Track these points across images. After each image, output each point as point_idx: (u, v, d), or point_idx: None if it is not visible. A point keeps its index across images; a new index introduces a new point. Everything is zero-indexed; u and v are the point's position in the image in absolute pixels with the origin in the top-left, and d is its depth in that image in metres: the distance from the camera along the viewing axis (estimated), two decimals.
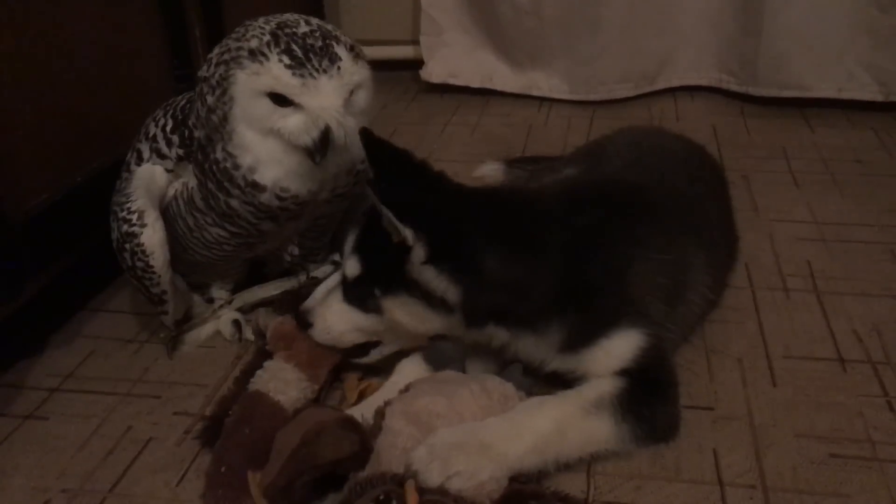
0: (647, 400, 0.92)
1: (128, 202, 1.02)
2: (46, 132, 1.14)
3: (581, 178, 1.19)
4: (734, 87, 2.05)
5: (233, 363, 1.13)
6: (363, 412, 0.93)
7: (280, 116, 0.92)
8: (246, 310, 1.21)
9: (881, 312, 1.18)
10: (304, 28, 0.93)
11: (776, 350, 1.11)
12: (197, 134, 1.00)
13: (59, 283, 1.18)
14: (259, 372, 1.01)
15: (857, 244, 1.37)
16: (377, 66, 0.99)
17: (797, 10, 1.87)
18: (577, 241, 0.95)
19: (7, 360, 1.15)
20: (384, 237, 0.92)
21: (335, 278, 1.03)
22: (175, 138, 1.04)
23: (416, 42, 2.18)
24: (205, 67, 0.97)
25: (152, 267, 1.02)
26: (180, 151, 1.04)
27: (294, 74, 0.89)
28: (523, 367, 0.99)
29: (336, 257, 1.26)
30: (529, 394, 0.95)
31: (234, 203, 1.00)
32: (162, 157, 1.05)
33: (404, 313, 0.95)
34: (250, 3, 1.33)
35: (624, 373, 0.93)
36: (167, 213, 1.07)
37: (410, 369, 1.01)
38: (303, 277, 1.24)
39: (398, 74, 2.23)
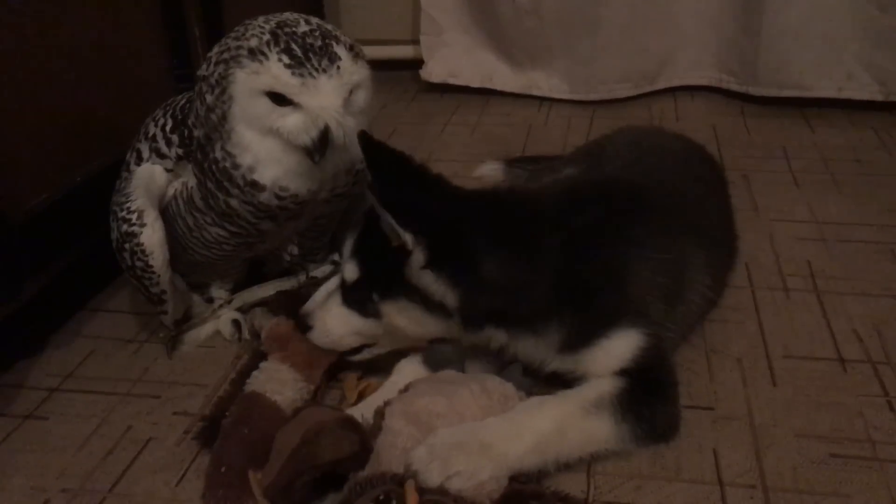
0: (647, 400, 0.92)
1: (127, 202, 1.02)
2: (46, 132, 1.14)
3: (580, 177, 1.19)
4: (734, 87, 2.05)
5: (232, 363, 1.13)
6: (363, 412, 0.93)
7: (279, 116, 0.92)
8: (245, 310, 1.21)
9: (881, 312, 1.18)
10: (303, 27, 0.93)
11: (776, 350, 1.11)
12: (196, 133, 1.00)
13: (58, 282, 1.18)
14: (255, 373, 1.01)
15: (857, 244, 1.37)
16: (377, 65, 0.99)
17: (797, 10, 1.87)
18: (575, 242, 0.95)
19: (7, 360, 1.15)
20: (383, 241, 0.92)
21: (335, 281, 1.03)
22: (174, 138, 1.04)
23: (416, 42, 2.18)
24: (204, 66, 0.97)
25: (152, 266, 1.02)
26: (180, 151, 1.04)
27: (293, 74, 0.89)
28: (523, 367, 0.99)
29: (336, 257, 1.26)
30: (529, 394, 0.95)
31: (234, 202, 1.00)
32: (161, 156, 1.05)
33: (403, 318, 0.95)
34: (250, 2, 1.33)
35: (624, 373, 0.93)
36: (167, 212, 1.07)
37: (410, 369, 1.01)
38: (302, 277, 1.24)
39: (398, 74, 2.22)
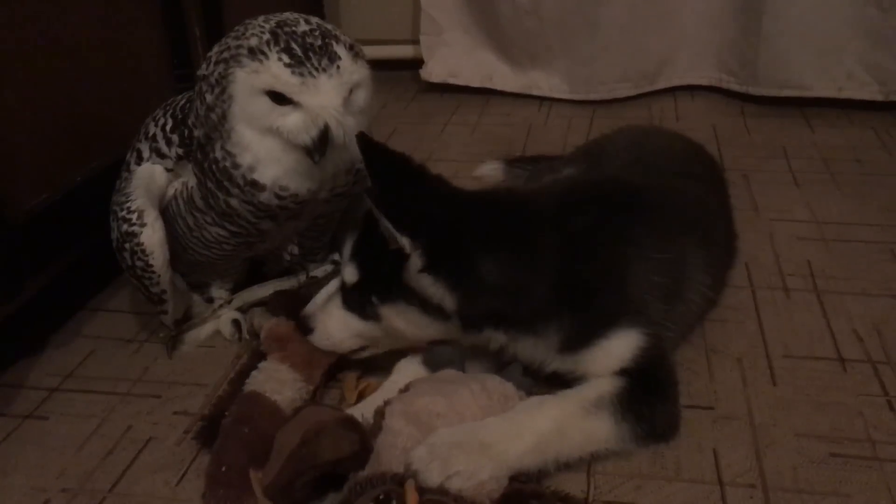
0: (647, 399, 0.92)
1: (127, 202, 1.02)
2: (46, 132, 1.14)
3: (580, 178, 1.19)
4: (734, 87, 2.05)
5: (232, 363, 1.13)
6: (363, 412, 0.93)
7: (279, 115, 0.92)
8: (245, 309, 1.21)
9: (881, 312, 1.18)
10: (303, 27, 0.93)
11: (776, 350, 1.11)
12: (196, 133, 1.00)
13: (59, 282, 1.18)
14: (254, 373, 1.01)
15: (857, 244, 1.37)
16: (377, 65, 0.99)
17: (797, 10, 1.87)
18: (574, 243, 0.95)
19: (7, 359, 1.15)
20: (381, 243, 0.92)
21: (336, 283, 1.03)
22: (175, 137, 1.04)
23: (416, 42, 2.18)
24: (204, 66, 0.97)
25: (152, 266, 1.02)
26: (180, 151, 1.04)
27: (293, 73, 0.89)
28: (523, 367, 0.99)
29: (336, 257, 1.26)
30: (529, 394, 0.95)
31: (234, 202, 1.00)
32: (161, 156, 1.05)
33: (402, 320, 0.95)
34: (250, 2, 1.33)
35: (624, 372, 0.93)
36: (167, 212, 1.07)
37: (410, 369, 1.01)
38: (302, 277, 1.24)
39: (398, 74, 2.22)
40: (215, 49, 0.97)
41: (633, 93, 2.08)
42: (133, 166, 1.06)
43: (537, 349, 0.96)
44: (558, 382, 0.97)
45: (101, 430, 1.02)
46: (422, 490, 0.78)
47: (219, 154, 0.97)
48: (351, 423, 0.87)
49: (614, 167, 1.20)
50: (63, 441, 1.00)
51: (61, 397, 1.09)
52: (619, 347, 0.94)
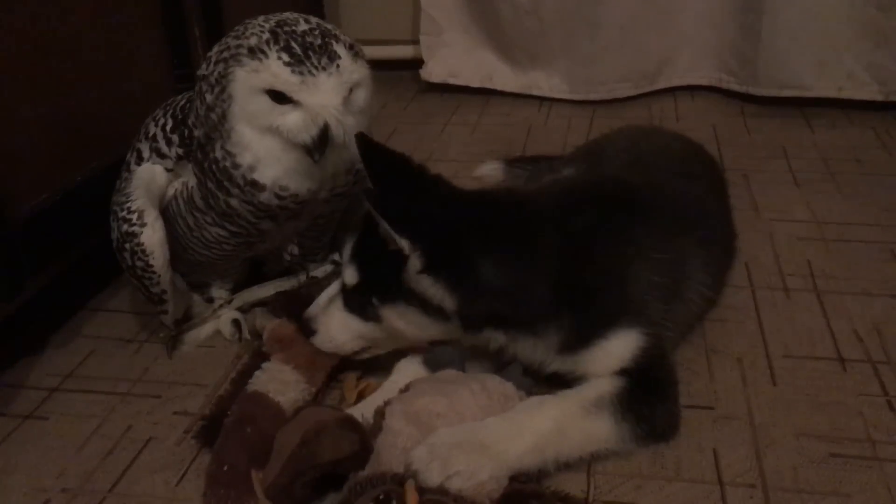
0: (647, 399, 0.92)
1: (128, 202, 1.02)
2: (46, 132, 1.14)
3: (579, 178, 1.19)
4: (734, 87, 2.04)
5: (233, 363, 1.13)
6: (363, 412, 0.93)
7: (279, 114, 0.92)
8: (245, 309, 1.21)
9: (881, 312, 1.18)
10: (303, 26, 0.93)
11: (776, 350, 1.11)
12: (196, 133, 1.00)
13: (59, 282, 1.18)
14: (257, 373, 1.01)
15: (857, 244, 1.37)
16: (377, 65, 0.99)
17: (797, 10, 1.87)
18: (573, 243, 0.95)
19: (7, 359, 1.15)
20: (381, 244, 0.92)
21: (337, 284, 1.03)
22: (175, 137, 1.04)
23: (416, 42, 2.18)
24: (204, 65, 0.97)
25: (152, 266, 1.02)
26: (180, 151, 1.04)
27: (293, 72, 0.89)
28: (523, 367, 0.99)
29: (336, 257, 1.26)
30: (529, 394, 0.95)
31: (234, 202, 1.00)
32: (162, 156, 1.05)
33: (403, 322, 0.95)
34: (250, 2, 1.33)
35: (623, 372, 0.93)
36: (167, 212, 1.07)
37: (410, 369, 1.01)
38: (302, 277, 1.24)
39: (398, 74, 2.22)
40: (215, 49, 0.97)
41: (633, 93, 2.08)
42: (133, 166, 1.07)
43: (537, 349, 0.96)
44: (558, 382, 0.97)
45: (101, 430, 1.02)
46: (422, 490, 0.78)
47: (219, 154, 0.98)
48: (351, 423, 0.87)
49: (614, 167, 1.20)
50: (63, 441, 1.00)
51: (61, 397, 1.09)
52: (618, 347, 0.94)
